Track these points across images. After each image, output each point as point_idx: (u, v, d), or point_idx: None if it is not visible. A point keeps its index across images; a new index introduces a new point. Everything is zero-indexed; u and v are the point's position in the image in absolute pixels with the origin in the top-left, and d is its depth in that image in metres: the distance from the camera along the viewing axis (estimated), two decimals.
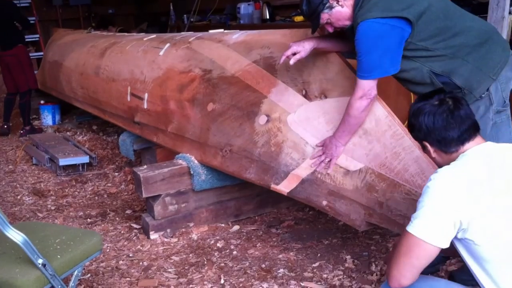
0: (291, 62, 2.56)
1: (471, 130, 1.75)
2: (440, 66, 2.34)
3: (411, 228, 1.64)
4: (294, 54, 2.56)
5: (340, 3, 2.36)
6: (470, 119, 1.75)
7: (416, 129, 1.82)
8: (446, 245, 1.62)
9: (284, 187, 2.68)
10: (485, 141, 1.77)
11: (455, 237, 1.63)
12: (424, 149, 1.86)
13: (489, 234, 1.58)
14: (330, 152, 2.51)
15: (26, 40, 6.48)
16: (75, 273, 2.26)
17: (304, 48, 2.58)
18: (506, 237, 1.59)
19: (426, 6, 2.27)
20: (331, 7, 2.37)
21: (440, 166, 1.80)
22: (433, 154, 1.82)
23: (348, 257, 2.80)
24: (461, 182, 1.62)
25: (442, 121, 1.74)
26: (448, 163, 1.76)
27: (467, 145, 1.74)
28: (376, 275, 2.61)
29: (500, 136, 2.33)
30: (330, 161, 2.52)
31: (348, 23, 2.39)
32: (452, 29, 2.31)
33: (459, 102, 1.77)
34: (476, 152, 1.72)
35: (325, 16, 2.40)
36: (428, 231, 1.61)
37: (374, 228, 2.87)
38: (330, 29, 2.47)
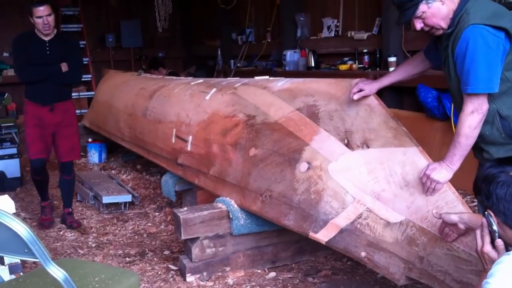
0: (355, 97, 2.69)
1: None
2: (508, 108, 2.29)
3: None
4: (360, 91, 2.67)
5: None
6: None
7: (484, 195, 1.71)
8: None
9: (323, 235, 2.66)
10: None
11: None
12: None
13: None
14: (438, 177, 2.35)
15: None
16: None
17: (369, 87, 2.67)
18: None
19: None
20: (432, 0, 2.30)
21: (503, 240, 1.71)
22: (496, 226, 1.70)
23: None
24: None
25: None
26: (511, 240, 1.68)
27: None
28: None
29: None
30: (435, 187, 2.39)
31: (441, 23, 2.32)
32: None
33: None
34: None
35: (423, 8, 2.31)
36: None
37: (414, 283, 2.79)
38: (418, 26, 2.37)
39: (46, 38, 4.06)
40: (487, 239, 1.73)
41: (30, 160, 4.28)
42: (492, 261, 1.65)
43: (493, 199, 1.68)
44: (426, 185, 2.40)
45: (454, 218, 2.12)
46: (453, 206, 2.32)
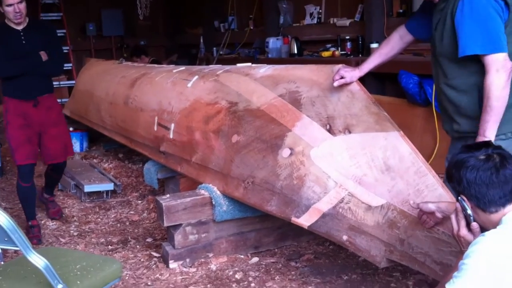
0: (335, 84, 2.71)
1: None
2: None
3: None
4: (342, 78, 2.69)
5: None
6: None
7: (456, 180, 1.74)
8: None
9: (305, 220, 2.68)
10: None
11: None
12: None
13: None
14: None
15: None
16: None
17: (350, 74, 2.69)
18: None
19: None
20: None
21: (477, 222, 1.74)
22: (470, 210, 1.73)
23: None
24: (510, 249, 1.54)
25: (485, 178, 1.66)
26: (485, 223, 1.71)
27: (509, 207, 1.66)
28: None
29: None
30: None
31: None
32: None
33: (506, 160, 1.68)
34: None
35: None
36: None
37: (395, 265, 2.82)
38: None
39: (19, 28, 3.74)
40: (463, 223, 1.77)
41: (18, 166, 3.80)
42: (469, 244, 1.67)
43: (464, 184, 1.71)
44: None
45: (431, 207, 2.14)
46: (433, 189, 2.35)
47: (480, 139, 2.31)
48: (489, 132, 2.29)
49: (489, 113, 2.26)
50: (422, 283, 2.82)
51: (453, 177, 1.76)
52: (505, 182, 1.65)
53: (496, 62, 2.23)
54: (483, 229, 1.71)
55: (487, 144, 1.78)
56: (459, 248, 1.85)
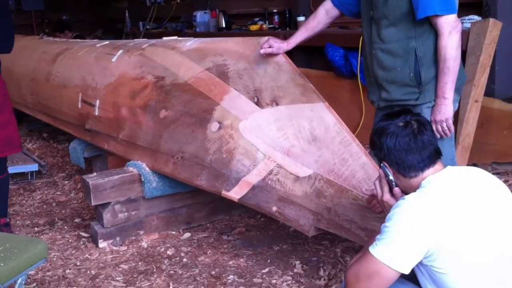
0: (262, 51, 2.70)
1: (432, 157, 1.72)
2: (425, 50, 2.40)
3: (376, 252, 1.60)
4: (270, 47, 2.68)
5: None
6: (432, 145, 1.73)
7: (377, 147, 1.79)
8: (408, 271, 1.59)
9: (235, 193, 2.69)
10: (445, 167, 1.75)
11: (419, 263, 1.61)
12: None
13: (457, 262, 1.57)
14: (443, 115, 2.40)
15: None
16: (19, 281, 2.20)
17: (277, 45, 2.69)
18: (473, 265, 1.57)
19: None
20: None
21: (400, 188, 1.81)
22: (392, 176, 1.79)
23: (297, 262, 2.82)
24: (430, 210, 1.59)
25: (404, 144, 1.71)
26: (406, 188, 1.77)
27: (427, 172, 1.72)
28: (324, 279, 2.64)
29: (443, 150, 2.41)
30: (447, 125, 2.42)
31: None
32: None
33: (423, 127, 1.74)
34: (441, 180, 1.69)
35: None
36: (394, 257, 1.57)
37: (324, 234, 2.90)
38: None
39: None
40: (386, 188, 1.83)
41: None
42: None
43: (385, 150, 1.77)
44: (439, 130, 2.44)
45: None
46: (357, 157, 2.41)
47: (440, 101, 2.39)
48: (449, 93, 2.38)
49: (447, 74, 2.35)
50: (349, 250, 2.91)
51: (375, 144, 1.82)
52: (422, 147, 1.71)
53: (449, 23, 2.31)
54: (406, 194, 1.77)
55: (406, 111, 1.83)
56: (383, 214, 1.92)
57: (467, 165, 3.74)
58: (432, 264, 1.59)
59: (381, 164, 1.82)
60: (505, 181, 3.68)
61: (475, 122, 3.58)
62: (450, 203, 1.62)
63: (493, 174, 3.92)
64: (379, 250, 1.60)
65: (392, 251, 1.58)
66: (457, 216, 1.59)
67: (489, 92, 3.78)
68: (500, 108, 3.88)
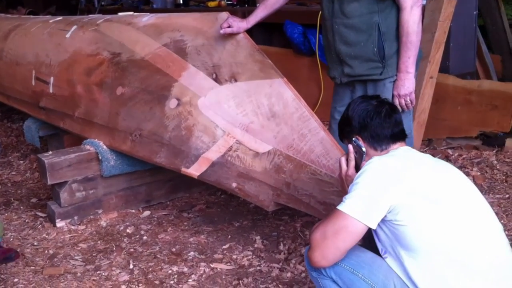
0: (222, 32, 2.65)
1: (402, 133, 1.87)
2: (387, 26, 2.43)
3: (344, 206, 1.64)
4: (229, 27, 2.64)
5: None
6: (401, 125, 1.87)
7: (353, 122, 1.87)
8: (374, 225, 1.63)
9: (195, 170, 2.68)
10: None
11: (381, 222, 1.65)
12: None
13: (417, 215, 1.62)
14: (407, 89, 2.45)
15: None
16: None
17: (237, 25, 2.65)
18: (432, 221, 1.62)
19: None
20: None
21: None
22: (365, 148, 1.86)
23: (257, 238, 2.85)
24: (393, 167, 1.68)
25: (379, 119, 1.83)
26: None
27: (395, 146, 1.84)
28: (284, 253, 2.67)
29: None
30: (410, 99, 2.48)
31: None
32: None
33: (395, 109, 1.91)
34: (408, 149, 1.84)
35: None
36: (361, 209, 1.62)
37: (284, 209, 2.93)
38: None
39: None
40: (352, 163, 1.89)
41: None
42: None
43: (362, 124, 1.86)
44: (402, 104, 2.49)
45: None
46: (316, 133, 2.43)
47: (404, 75, 2.45)
48: (412, 67, 2.44)
49: (410, 48, 2.40)
50: (309, 224, 2.95)
51: (351, 120, 1.89)
52: (395, 124, 1.86)
53: None
54: None
55: (377, 96, 1.99)
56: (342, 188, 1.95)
57: (423, 140, 3.84)
58: (395, 217, 1.63)
59: (353, 139, 1.88)
60: (459, 155, 3.79)
61: (430, 98, 3.65)
62: (415, 164, 1.73)
63: (447, 148, 4.04)
64: (347, 204, 1.65)
65: (360, 204, 1.63)
66: (421, 175, 1.68)
67: (444, 68, 3.86)
68: (454, 84, 3.97)
